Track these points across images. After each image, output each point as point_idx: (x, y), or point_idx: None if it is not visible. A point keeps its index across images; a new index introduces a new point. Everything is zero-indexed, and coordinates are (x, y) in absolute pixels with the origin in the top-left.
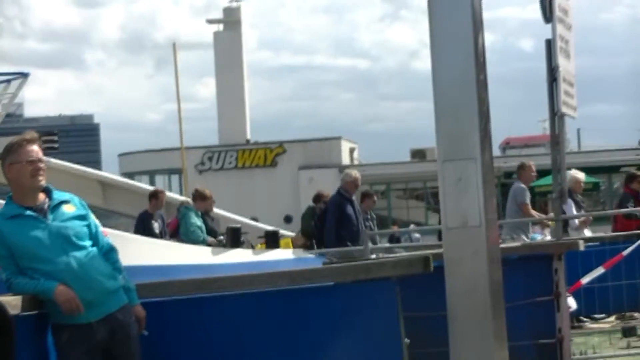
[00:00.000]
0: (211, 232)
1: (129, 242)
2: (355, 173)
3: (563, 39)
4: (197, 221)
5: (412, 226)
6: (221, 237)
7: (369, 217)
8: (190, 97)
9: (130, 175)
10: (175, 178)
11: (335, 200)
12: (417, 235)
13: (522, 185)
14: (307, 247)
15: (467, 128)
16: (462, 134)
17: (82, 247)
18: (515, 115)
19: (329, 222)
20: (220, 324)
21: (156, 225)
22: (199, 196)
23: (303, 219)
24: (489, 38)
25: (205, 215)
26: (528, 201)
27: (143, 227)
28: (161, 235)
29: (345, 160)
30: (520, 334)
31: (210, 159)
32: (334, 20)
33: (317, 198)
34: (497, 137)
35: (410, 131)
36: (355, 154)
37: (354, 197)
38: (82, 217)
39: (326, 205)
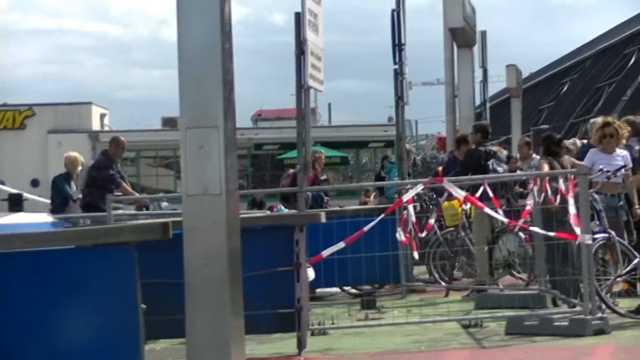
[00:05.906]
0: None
1: None
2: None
3: (312, 12)
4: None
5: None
6: None
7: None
8: None
9: None
10: None
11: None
12: (165, 203)
13: None
14: None
15: (211, 96)
16: (205, 102)
17: None
18: (268, 88)
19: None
20: None
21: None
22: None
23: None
24: (242, 11)
25: None
26: None
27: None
28: None
29: (96, 125)
30: (260, 303)
31: None
32: None
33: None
34: (250, 110)
35: (161, 99)
36: (106, 120)
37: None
38: None
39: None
